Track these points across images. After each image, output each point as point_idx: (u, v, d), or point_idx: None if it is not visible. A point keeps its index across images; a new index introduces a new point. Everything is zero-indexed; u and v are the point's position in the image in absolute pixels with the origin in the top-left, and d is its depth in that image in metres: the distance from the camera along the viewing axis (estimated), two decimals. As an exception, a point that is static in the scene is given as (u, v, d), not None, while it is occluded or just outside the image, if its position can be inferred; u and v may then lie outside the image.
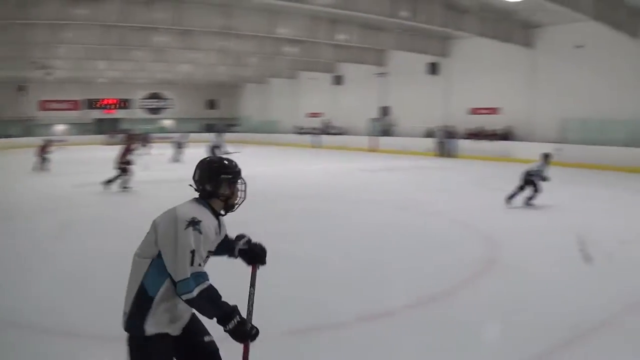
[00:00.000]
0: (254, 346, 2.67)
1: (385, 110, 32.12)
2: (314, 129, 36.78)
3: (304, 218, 10.72)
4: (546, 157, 11.48)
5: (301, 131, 37.90)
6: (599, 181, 16.41)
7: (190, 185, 2.82)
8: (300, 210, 11.62)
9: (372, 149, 30.43)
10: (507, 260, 7.35)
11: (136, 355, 2.61)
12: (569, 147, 20.48)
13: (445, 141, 26.04)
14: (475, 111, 26.83)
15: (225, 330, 2.55)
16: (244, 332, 2.56)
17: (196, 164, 2.87)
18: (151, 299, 2.57)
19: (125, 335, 2.65)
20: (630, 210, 11.63)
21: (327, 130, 36.02)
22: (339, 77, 35.80)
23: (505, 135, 24.73)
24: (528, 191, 11.13)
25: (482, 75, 25.98)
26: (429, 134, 27.61)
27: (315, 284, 6.26)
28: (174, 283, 2.52)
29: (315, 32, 23.84)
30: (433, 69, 28.55)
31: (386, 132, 31.47)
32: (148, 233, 2.67)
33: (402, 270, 6.88)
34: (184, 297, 2.50)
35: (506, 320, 5.23)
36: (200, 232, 2.57)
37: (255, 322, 2.76)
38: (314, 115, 38.36)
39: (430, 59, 28.27)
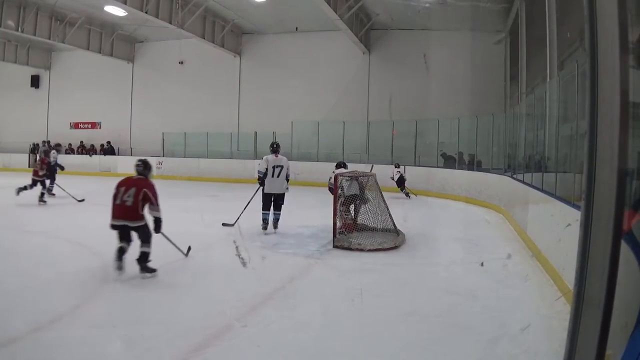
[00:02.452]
0: None
1: None
2: None
3: None
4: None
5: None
6: (201, 192, 19.64)
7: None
8: None
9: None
10: (117, 275, 7.40)
11: None
12: (168, 160, 25.44)
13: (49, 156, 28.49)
14: (77, 125, 30.67)
15: None
16: None
17: None
18: None
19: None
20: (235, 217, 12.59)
21: None
22: None
23: (108, 150, 28.72)
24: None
25: (85, 89, 29.77)
26: (33, 150, 30.19)
27: None
28: None
29: None
30: (35, 81, 31.78)
31: None
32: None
33: (18, 295, 6.88)
34: None
35: (131, 335, 5.52)
36: None
37: None
38: None
39: (33, 71, 31.30)
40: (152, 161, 15.85)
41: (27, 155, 30.43)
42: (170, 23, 21.25)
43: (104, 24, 26.15)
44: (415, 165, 19.87)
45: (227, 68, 26.25)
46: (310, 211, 13.38)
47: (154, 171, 8.69)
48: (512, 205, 12.34)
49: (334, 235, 9.69)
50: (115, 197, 7.31)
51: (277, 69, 24.99)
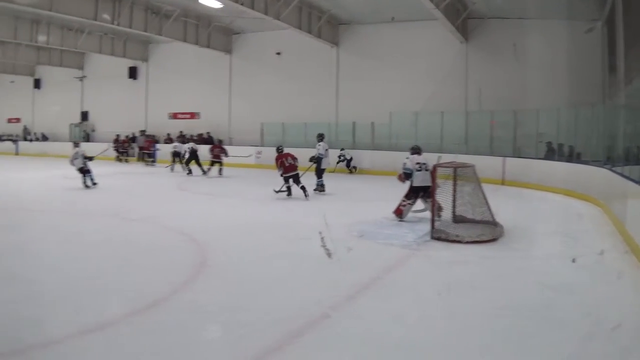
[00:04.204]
0: None
1: (84, 115, 38.83)
2: (10, 136, 42.25)
3: (7, 231, 11.56)
4: None
5: None
6: (302, 182, 20.67)
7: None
8: (4, 222, 12.76)
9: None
10: (219, 261, 9.03)
11: None
12: (267, 150, 26.11)
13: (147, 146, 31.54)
14: (175, 116, 34.55)
15: None
16: None
17: None
18: None
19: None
20: (335, 207, 15.04)
21: (26, 136, 41.64)
22: (38, 80, 41.78)
23: (209, 140, 31.13)
24: None
25: (182, 80, 33.48)
26: (132, 139, 34.27)
27: (26, 301, 6.91)
28: None
29: (17, 32, 28.65)
30: (133, 73, 36.09)
31: (86, 137, 37.76)
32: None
33: (115, 278, 8.04)
34: None
35: (226, 321, 6.31)
36: None
37: None
38: (14, 120, 43.82)
39: (130, 62, 35.63)
40: (252, 150, 24.73)
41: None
42: (266, 14, 23.14)
43: (199, 16, 28.89)
44: (514, 157, 21.43)
45: (324, 58, 28.49)
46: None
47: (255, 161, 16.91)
48: (611, 198, 12.77)
49: (432, 227, 10.55)
50: (283, 162, 16.16)
51: (374, 59, 27.08)
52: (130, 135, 34.68)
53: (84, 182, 18.90)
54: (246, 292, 7.31)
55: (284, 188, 16.51)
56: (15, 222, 12.94)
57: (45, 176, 24.29)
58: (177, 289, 7.42)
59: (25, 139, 41.85)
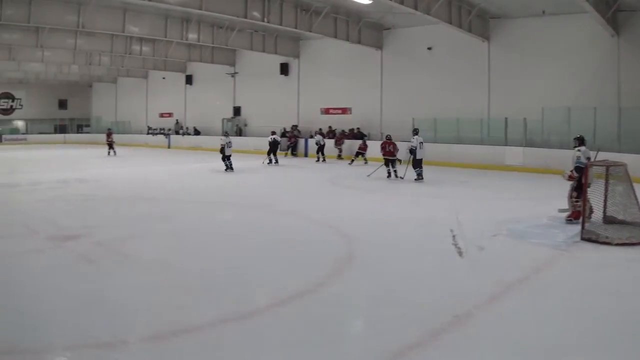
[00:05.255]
0: (116, 352, 5.42)
1: (237, 110, 43.08)
2: (163, 129, 47.74)
3: (158, 220, 13.61)
4: None
5: (153, 132, 48.51)
6: (452, 178, 22.40)
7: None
8: (156, 212, 14.96)
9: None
10: (366, 255, 9.86)
11: None
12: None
13: (321, 141, 33.34)
14: (326, 111, 37.76)
15: None
16: None
17: None
18: None
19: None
20: (485, 205, 16.01)
21: (179, 130, 46.67)
22: (190, 76, 46.92)
23: (358, 135, 33.86)
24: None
25: (334, 76, 36.56)
26: (282, 134, 37.49)
27: (174, 287, 7.96)
28: None
29: (167, 30, 32.01)
30: (284, 69, 39.65)
31: (239, 132, 41.93)
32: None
33: (262, 269, 8.88)
34: None
35: (370, 315, 6.92)
36: None
37: (114, 328, 5.18)
38: (166, 115, 49.42)
39: (281, 59, 39.25)
40: (404, 146, 23.69)
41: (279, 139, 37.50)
42: (416, 9, 24.45)
43: (349, 12, 31.02)
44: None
45: (475, 53, 30.02)
46: (558, 201, 13.91)
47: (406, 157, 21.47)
48: None
49: (582, 227, 10.96)
50: (385, 147, 22.51)
51: (525, 53, 28.37)
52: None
53: (228, 167, 25.53)
54: (390, 287, 7.93)
55: (385, 172, 22.09)
56: (168, 212, 14.84)
57: (197, 169, 27.77)
58: (322, 281, 8.12)
59: (177, 133, 47.07)
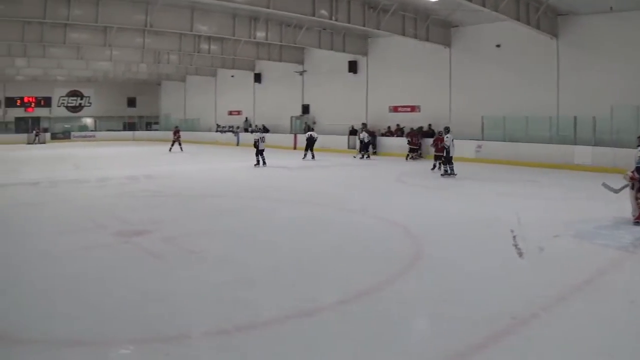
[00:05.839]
0: (180, 346, 5.70)
1: (305, 108, 44.84)
2: (232, 127, 50.15)
3: (225, 217, 14.33)
4: None
5: (222, 129, 51.01)
6: (520, 177, 22.76)
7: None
8: (223, 208, 15.76)
9: (295, 147, 42.19)
10: (432, 254, 10.05)
11: None
12: (488, 143, 30.06)
13: (366, 138, 35.05)
14: (395, 109, 39.01)
15: None
16: None
17: None
18: None
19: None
20: (552, 204, 16.15)
21: (247, 128, 48.82)
22: (258, 74, 49.03)
23: (427, 133, 34.41)
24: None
25: (402, 73, 37.55)
26: (352, 132, 39.07)
27: (240, 283, 8.34)
28: None
29: (235, 29, 33.61)
30: (353, 67, 41.08)
31: (307, 130, 42.77)
32: None
33: (328, 266, 9.19)
34: None
35: (436, 314, 7.07)
36: None
37: (181, 324, 5.62)
38: (235, 113, 51.99)
39: (350, 57, 40.50)
40: (472, 144, 29.56)
41: (346, 137, 39.66)
42: (484, 6, 25.08)
43: (417, 9, 31.98)
44: None
45: (543, 50, 30.33)
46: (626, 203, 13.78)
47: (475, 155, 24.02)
48: None
49: None
50: (437, 144, 24.75)
51: (593, 50, 28.59)
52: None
53: (261, 162, 27.81)
54: (455, 287, 8.07)
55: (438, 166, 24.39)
56: (236, 209, 15.68)
57: (264, 166, 28.37)
58: (389, 279, 8.31)
59: (246, 131, 49.04)
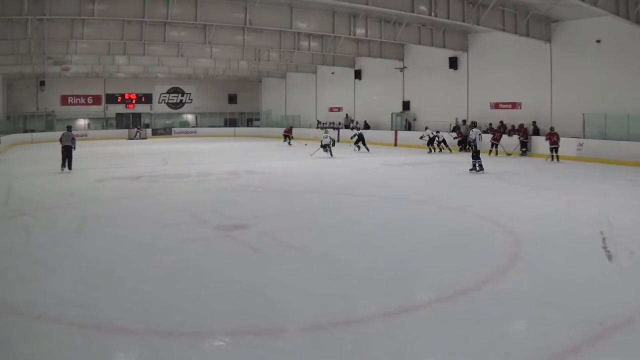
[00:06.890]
0: (275, 340, 5.80)
1: (406, 105, 46.11)
2: (332, 123, 52.14)
3: (324, 213, 14.78)
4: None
5: (322, 126, 52.60)
6: (619, 176, 22.21)
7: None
8: (321, 204, 16.28)
9: (396, 143, 43.74)
10: (530, 255, 10.11)
11: None
12: (589, 141, 29.90)
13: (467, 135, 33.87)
14: (496, 106, 39.42)
15: None
16: None
17: None
18: None
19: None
20: None
21: (348, 124, 50.72)
22: (359, 71, 50.80)
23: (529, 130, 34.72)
24: None
25: (503, 69, 37.99)
26: (453, 129, 40.04)
27: (337, 279, 8.57)
28: None
29: (335, 26, 34.73)
30: (453, 63, 42.05)
31: (407, 126, 45.14)
32: None
33: (426, 264, 9.36)
34: None
35: (532, 316, 7.08)
36: None
37: (276, 318, 6.04)
38: (335, 109, 54.01)
39: (450, 53, 41.46)
40: (573, 142, 29.71)
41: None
42: (583, 1, 25.34)
43: (517, 4, 32.39)
44: None
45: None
46: None
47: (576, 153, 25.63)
48: None
49: None
50: (550, 138, 26.88)
51: None
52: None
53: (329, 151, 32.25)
54: (555, 288, 8.04)
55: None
56: (335, 205, 16.19)
57: (365, 163, 29.55)
58: (487, 279, 8.31)
59: (346, 127, 50.72)
